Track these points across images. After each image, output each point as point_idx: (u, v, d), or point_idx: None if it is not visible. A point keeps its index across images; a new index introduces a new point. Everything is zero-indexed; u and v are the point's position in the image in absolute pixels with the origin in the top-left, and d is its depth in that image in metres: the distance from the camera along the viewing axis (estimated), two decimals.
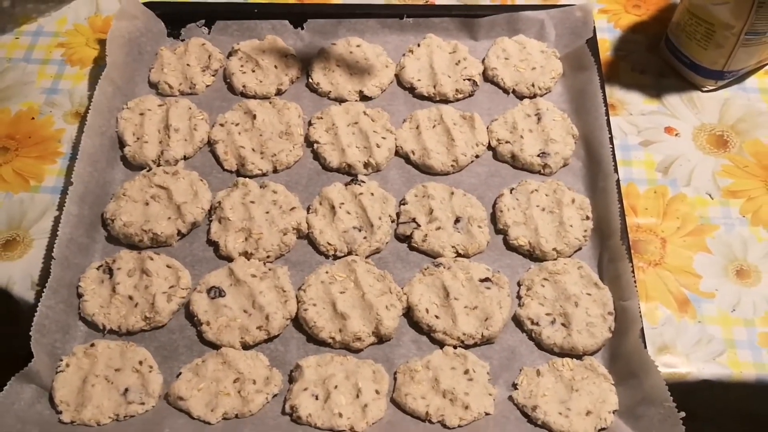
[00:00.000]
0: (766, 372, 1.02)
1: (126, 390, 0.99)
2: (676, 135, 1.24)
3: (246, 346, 1.04)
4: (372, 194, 1.15)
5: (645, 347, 0.98)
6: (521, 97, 1.28)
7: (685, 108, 1.27)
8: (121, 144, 1.22)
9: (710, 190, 1.19)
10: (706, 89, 1.29)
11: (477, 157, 1.21)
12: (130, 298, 1.06)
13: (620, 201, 1.10)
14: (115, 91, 1.25)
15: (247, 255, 1.11)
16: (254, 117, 1.23)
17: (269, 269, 1.09)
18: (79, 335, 1.06)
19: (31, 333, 0.98)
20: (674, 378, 1.02)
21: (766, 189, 1.18)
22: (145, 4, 1.34)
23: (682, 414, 0.90)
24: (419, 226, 1.12)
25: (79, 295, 1.07)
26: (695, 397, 1.02)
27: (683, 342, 1.05)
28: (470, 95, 1.29)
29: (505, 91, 1.29)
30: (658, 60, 1.33)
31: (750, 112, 1.27)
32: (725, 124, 1.25)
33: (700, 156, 1.22)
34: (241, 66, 1.31)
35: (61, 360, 1.01)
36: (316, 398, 0.98)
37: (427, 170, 1.20)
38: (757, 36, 1.19)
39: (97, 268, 1.09)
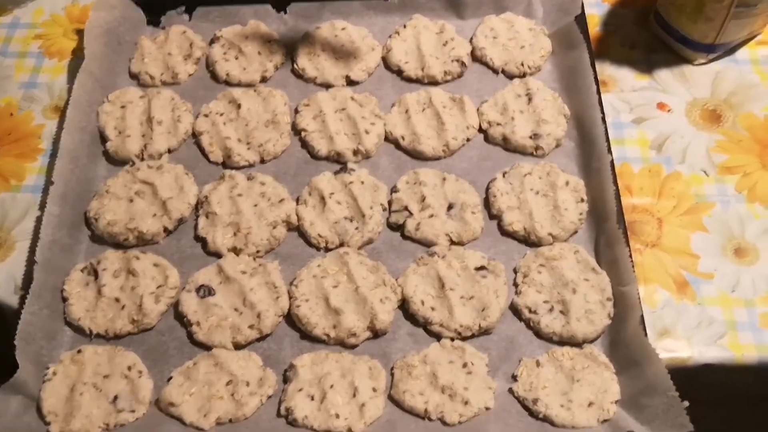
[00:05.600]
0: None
1: (115, 397, 0.97)
2: (669, 111, 1.23)
3: (238, 346, 1.02)
4: (362, 183, 1.13)
5: (645, 333, 0.96)
6: (511, 77, 1.26)
7: (677, 83, 1.26)
8: (103, 139, 1.20)
9: (705, 167, 1.17)
10: (697, 63, 1.27)
11: (468, 140, 1.19)
12: (117, 300, 1.04)
13: (615, 182, 1.08)
14: (95, 84, 1.22)
15: (236, 250, 1.09)
16: (239, 106, 1.21)
17: (259, 265, 1.07)
18: (66, 341, 1.04)
19: (15, 342, 0.96)
20: (675, 363, 1.01)
21: (761, 164, 1.17)
22: None
23: (686, 403, 0.89)
24: (412, 214, 1.11)
25: (64, 299, 1.05)
26: (697, 381, 1.01)
27: (683, 325, 1.03)
28: (459, 76, 1.27)
29: (495, 70, 1.27)
30: (648, 34, 1.31)
31: (742, 85, 1.25)
32: (718, 98, 1.24)
33: (694, 132, 1.20)
34: (224, 53, 1.28)
35: (48, 368, 0.99)
36: (312, 399, 0.96)
37: (417, 156, 1.18)
38: (747, 8, 1.18)
39: (82, 270, 1.07)
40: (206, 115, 1.21)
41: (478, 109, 1.21)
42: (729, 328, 1.03)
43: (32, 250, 1.08)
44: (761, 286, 1.06)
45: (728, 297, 1.05)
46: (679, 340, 1.02)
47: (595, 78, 1.19)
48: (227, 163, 1.18)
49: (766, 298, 1.05)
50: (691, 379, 0.99)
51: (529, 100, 1.20)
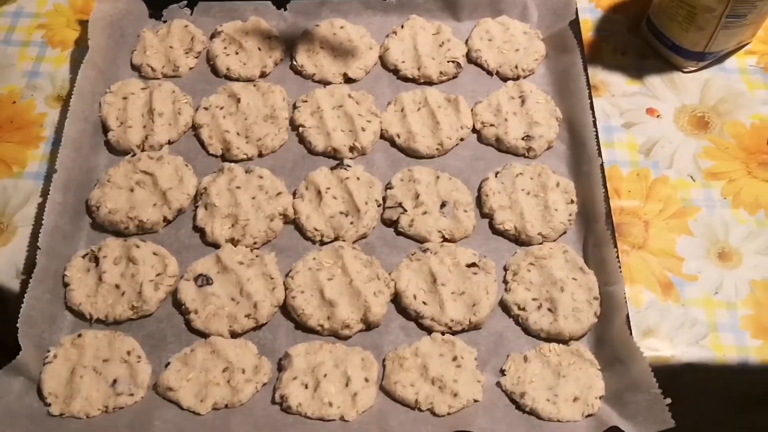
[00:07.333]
0: (748, 355, 1.03)
1: (114, 381, 0.99)
2: (658, 116, 1.25)
3: (234, 335, 1.04)
4: (358, 179, 1.15)
5: (630, 332, 0.98)
6: (505, 79, 1.28)
7: (667, 89, 1.28)
8: (105, 129, 1.21)
9: (692, 172, 1.19)
10: (687, 70, 1.30)
11: (462, 140, 1.21)
12: (117, 286, 1.06)
13: (604, 185, 1.11)
14: (98, 75, 1.24)
15: (233, 241, 1.10)
16: (238, 100, 1.22)
17: (256, 256, 1.09)
18: (66, 325, 1.05)
19: (18, 325, 0.98)
20: (659, 361, 1.03)
21: (746, 171, 1.19)
22: None
23: (668, 400, 0.91)
24: (405, 210, 1.13)
25: (65, 285, 1.07)
26: (679, 379, 1.04)
27: (667, 325, 1.06)
28: (454, 77, 1.29)
29: (489, 72, 1.29)
30: (639, 41, 1.34)
31: (730, 93, 1.28)
32: (706, 105, 1.26)
33: (682, 137, 1.23)
34: (225, 48, 1.30)
35: (49, 351, 1.01)
36: (306, 387, 0.98)
37: (412, 154, 1.20)
38: (737, 19, 1.20)
39: (83, 257, 1.09)
40: (206, 109, 1.23)
41: (472, 110, 1.23)
42: (711, 329, 1.05)
43: (34, 236, 1.10)
44: (743, 290, 1.09)
45: (711, 299, 1.08)
46: (663, 339, 1.05)
47: (587, 82, 1.21)
48: (226, 156, 1.19)
49: (748, 301, 1.07)
50: (674, 378, 1.02)
51: (522, 102, 1.22)
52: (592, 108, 1.18)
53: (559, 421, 0.96)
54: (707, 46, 1.25)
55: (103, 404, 0.98)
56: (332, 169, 1.17)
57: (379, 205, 1.14)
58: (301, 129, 1.22)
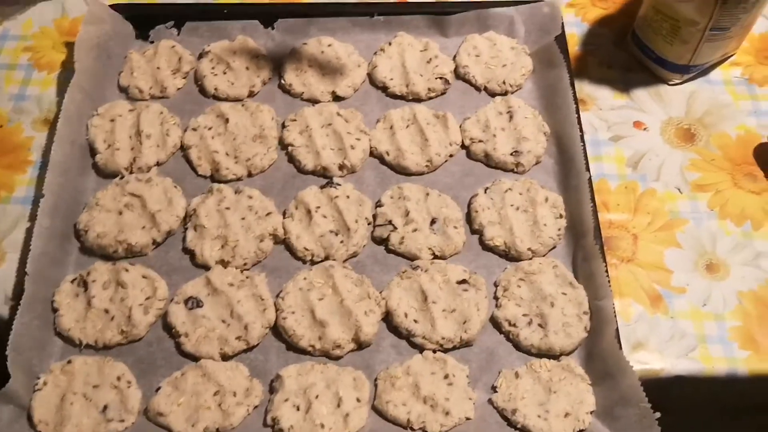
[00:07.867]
0: (737, 366, 1.04)
1: (105, 407, 0.98)
2: (645, 129, 1.25)
3: (225, 357, 1.03)
4: (348, 197, 1.15)
5: (620, 346, 0.99)
6: (493, 95, 1.28)
7: (653, 102, 1.29)
8: (92, 152, 1.21)
9: (679, 185, 1.20)
10: (672, 83, 1.30)
11: (451, 156, 1.22)
12: (106, 311, 1.05)
13: (592, 199, 1.11)
14: (85, 97, 1.23)
15: (223, 263, 1.10)
16: (227, 120, 1.22)
17: (246, 277, 1.08)
18: (56, 351, 1.05)
19: (7, 352, 0.97)
20: (648, 374, 1.03)
21: (732, 182, 1.20)
22: (112, 6, 1.32)
23: (658, 414, 0.92)
24: (396, 228, 1.13)
25: (54, 310, 1.06)
26: (669, 392, 1.04)
27: (656, 338, 1.06)
28: (442, 93, 1.29)
29: (477, 88, 1.29)
30: (625, 54, 1.34)
31: (715, 105, 1.28)
32: (692, 117, 1.27)
33: (668, 150, 1.23)
34: (212, 68, 1.30)
35: (38, 378, 1.00)
36: (298, 409, 0.98)
37: (402, 171, 1.20)
38: (721, 31, 1.21)
39: (72, 282, 1.08)
40: (195, 129, 1.23)
41: (460, 126, 1.23)
42: (700, 341, 1.06)
43: (22, 262, 1.10)
44: (731, 301, 1.09)
45: (699, 311, 1.08)
46: (652, 352, 1.05)
47: (574, 96, 1.22)
48: (215, 177, 1.19)
49: (736, 313, 1.08)
50: (664, 390, 1.02)
51: (510, 117, 1.23)
52: (579, 122, 1.18)
53: None
54: (692, 58, 1.25)
55: (93, 431, 0.97)
56: (322, 187, 1.17)
57: (369, 223, 1.14)
58: (290, 148, 1.22)
